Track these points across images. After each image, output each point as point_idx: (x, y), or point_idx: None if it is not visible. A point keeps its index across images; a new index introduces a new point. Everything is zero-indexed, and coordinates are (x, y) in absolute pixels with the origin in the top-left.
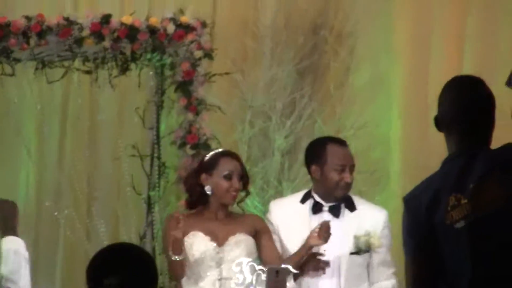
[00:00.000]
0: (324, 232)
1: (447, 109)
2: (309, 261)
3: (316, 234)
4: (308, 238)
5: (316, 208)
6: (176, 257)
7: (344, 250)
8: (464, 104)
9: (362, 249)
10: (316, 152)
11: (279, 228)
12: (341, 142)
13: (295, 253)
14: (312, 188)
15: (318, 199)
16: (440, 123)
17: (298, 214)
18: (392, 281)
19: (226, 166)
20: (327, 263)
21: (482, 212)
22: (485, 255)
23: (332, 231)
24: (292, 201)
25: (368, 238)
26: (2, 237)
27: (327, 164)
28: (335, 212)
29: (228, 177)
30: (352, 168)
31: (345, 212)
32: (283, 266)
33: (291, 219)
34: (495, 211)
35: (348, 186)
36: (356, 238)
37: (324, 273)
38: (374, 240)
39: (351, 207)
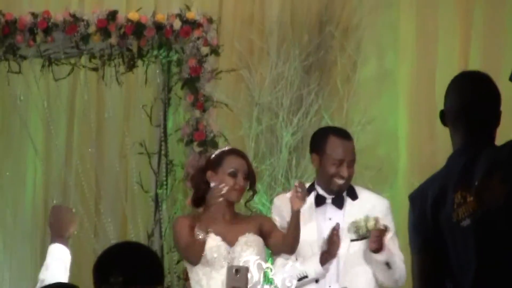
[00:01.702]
0: (300, 190)
1: (453, 104)
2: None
3: (295, 197)
4: (291, 204)
5: (319, 201)
6: (201, 235)
7: (345, 240)
8: (469, 100)
9: (360, 234)
10: (318, 141)
11: (283, 222)
12: (344, 135)
13: (289, 225)
14: (315, 180)
15: (321, 192)
16: (445, 118)
17: (303, 209)
18: (401, 263)
19: (231, 164)
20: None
21: (487, 209)
22: (490, 253)
23: (334, 222)
24: None
25: (368, 222)
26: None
27: (326, 156)
28: (338, 203)
29: (233, 174)
30: (351, 162)
31: (347, 201)
32: (242, 265)
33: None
34: (499, 208)
35: (344, 180)
36: (355, 223)
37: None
38: (371, 223)
39: (353, 196)
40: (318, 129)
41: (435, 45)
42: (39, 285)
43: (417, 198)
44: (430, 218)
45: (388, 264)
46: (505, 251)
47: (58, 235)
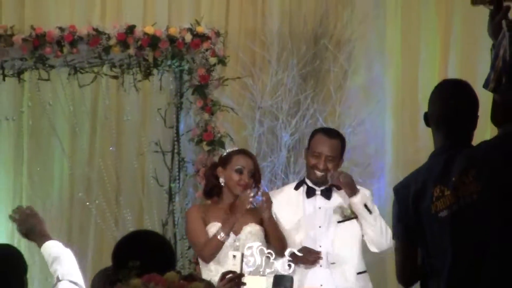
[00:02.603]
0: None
1: (436, 109)
2: (304, 255)
3: (263, 208)
4: (262, 214)
5: (310, 193)
6: (224, 238)
7: (334, 222)
8: (451, 106)
9: (346, 216)
10: (309, 138)
11: (276, 214)
12: (328, 134)
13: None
14: (306, 175)
15: (310, 184)
16: (429, 120)
17: (292, 199)
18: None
19: (238, 162)
20: (319, 256)
21: (463, 203)
22: (464, 242)
23: (323, 212)
24: (287, 190)
25: (350, 205)
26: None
27: (309, 149)
28: (326, 195)
29: (239, 171)
30: (328, 158)
31: (334, 192)
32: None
33: (287, 204)
34: (473, 202)
35: (322, 172)
36: (341, 207)
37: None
38: None
39: (338, 186)
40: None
41: (417, 54)
42: (60, 276)
43: (401, 191)
44: (411, 208)
45: (366, 207)
46: (478, 240)
47: (43, 235)
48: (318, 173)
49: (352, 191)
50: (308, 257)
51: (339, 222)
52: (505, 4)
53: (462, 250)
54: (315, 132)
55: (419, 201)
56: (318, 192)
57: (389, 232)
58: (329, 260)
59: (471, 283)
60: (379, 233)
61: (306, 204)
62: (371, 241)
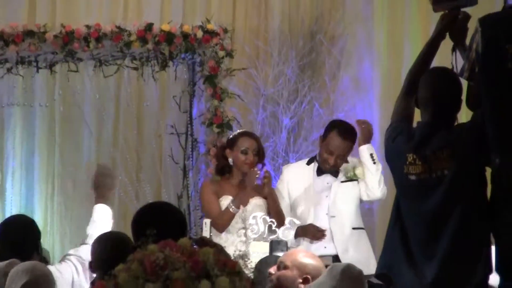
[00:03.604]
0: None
1: (426, 91)
2: (308, 230)
3: (266, 184)
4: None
5: (319, 171)
6: (236, 210)
7: (338, 181)
8: (439, 88)
9: (349, 177)
10: (326, 129)
11: (289, 185)
12: (344, 135)
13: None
14: (317, 155)
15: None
16: (418, 102)
17: (304, 174)
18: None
19: (243, 144)
20: (323, 233)
21: (434, 175)
22: (427, 210)
23: (332, 187)
24: (299, 165)
25: (355, 166)
26: (96, 203)
27: (324, 143)
28: (334, 173)
29: (245, 152)
30: (339, 157)
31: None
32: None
33: (299, 177)
34: (443, 176)
35: (331, 167)
36: (345, 169)
37: (323, 239)
38: (358, 169)
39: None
40: (333, 120)
41: (401, 49)
42: (88, 239)
43: (390, 136)
44: (389, 149)
45: (372, 156)
46: (440, 210)
47: (101, 197)
48: (328, 167)
49: (365, 140)
50: (315, 234)
51: (342, 181)
52: (464, 10)
53: (424, 216)
54: (332, 128)
55: (396, 154)
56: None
57: (383, 185)
58: (330, 213)
59: (431, 244)
60: (376, 182)
61: (316, 180)
62: (366, 188)
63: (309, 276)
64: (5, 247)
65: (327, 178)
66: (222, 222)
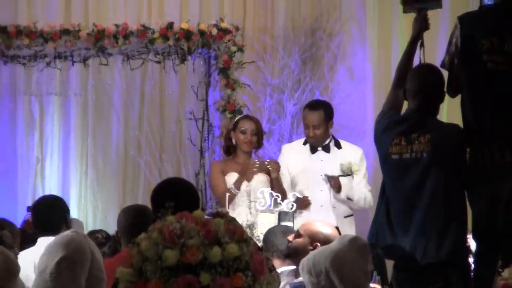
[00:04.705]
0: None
1: (412, 84)
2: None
3: (273, 170)
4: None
5: (313, 149)
6: (236, 191)
7: (333, 174)
8: (426, 81)
9: (345, 172)
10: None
11: (288, 162)
12: (311, 107)
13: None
14: None
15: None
16: (406, 94)
17: (300, 152)
18: (367, 193)
19: (242, 125)
20: (309, 202)
21: (414, 155)
22: (404, 187)
23: (325, 163)
24: (297, 144)
25: (350, 164)
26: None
27: (303, 122)
28: (326, 149)
29: (243, 132)
30: (315, 127)
31: (334, 150)
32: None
33: (296, 155)
34: (421, 157)
35: (312, 138)
36: (341, 165)
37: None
38: (354, 166)
39: (338, 146)
40: None
41: (390, 45)
42: None
43: (380, 119)
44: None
45: (349, 198)
46: (415, 187)
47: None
48: (310, 140)
49: (338, 190)
50: (302, 202)
51: (339, 176)
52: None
53: (401, 192)
54: (304, 107)
55: (384, 137)
56: (319, 149)
57: (368, 198)
58: (331, 204)
59: (407, 218)
60: (360, 206)
61: (311, 157)
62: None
63: (319, 244)
64: (37, 224)
65: (320, 154)
66: (224, 201)
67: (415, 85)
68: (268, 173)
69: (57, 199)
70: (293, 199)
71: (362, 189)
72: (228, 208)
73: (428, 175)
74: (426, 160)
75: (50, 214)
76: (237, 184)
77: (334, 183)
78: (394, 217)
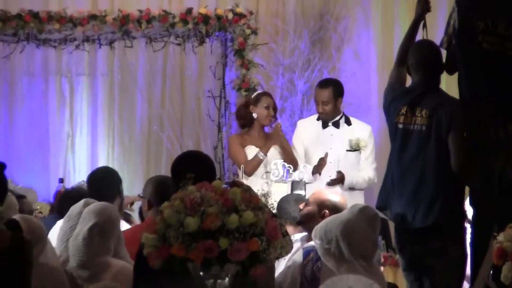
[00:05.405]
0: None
1: (414, 58)
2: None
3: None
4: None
5: (324, 124)
6: (264, 156)
7: (342, 150)
8: (428, 53)
9: (353, 148)
10: None
11: (303, 136)
12: (320, 85)
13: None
14: None
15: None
16: (410, 69)
17: (314, 127)
18: (370, 172)
19: (266, 101)
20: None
21: (414, 127)
22: (407, 155)
23: (335, 138)
24: (311, 120)
25: (358, 140)
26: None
27: (314, 99)
28: (336, 125)
29: (267, 108)
30: (324, 103)
31: (344, 126)
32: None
33: (310, 130)
34: (420, 129)
35: (321, 114)
36: (350, 140)
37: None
38: (362, 142)
39: (348, 123)
40: None
41: (393, 27)
42: None
43: (388, 91)
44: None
45: (351, 188)
46: (414, 155)
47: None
48: (322, 116)
49: (342, 183)
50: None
51: (347, 150)
52: None
53: (401, 160)
54: (316, 85)
55: (391, 107)
56: (330, 124)
57: (371, 178)
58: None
59: (402, 184)
60: (364, 187)
61: (323, 132)
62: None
63: (326, 211)
64: (93, 192)
65: (330, 130)
66: (251, 167)
67: (417, 57)
68: (281, 144)
69: (111, 171)
70: (303, 170)
71: (364, 172)
72: (247, 177)
73: (424, 148)
74: (424, 134)
75: (106, 183)
76: (265, 149)
77: (337, 179)
78: (394, 183)
